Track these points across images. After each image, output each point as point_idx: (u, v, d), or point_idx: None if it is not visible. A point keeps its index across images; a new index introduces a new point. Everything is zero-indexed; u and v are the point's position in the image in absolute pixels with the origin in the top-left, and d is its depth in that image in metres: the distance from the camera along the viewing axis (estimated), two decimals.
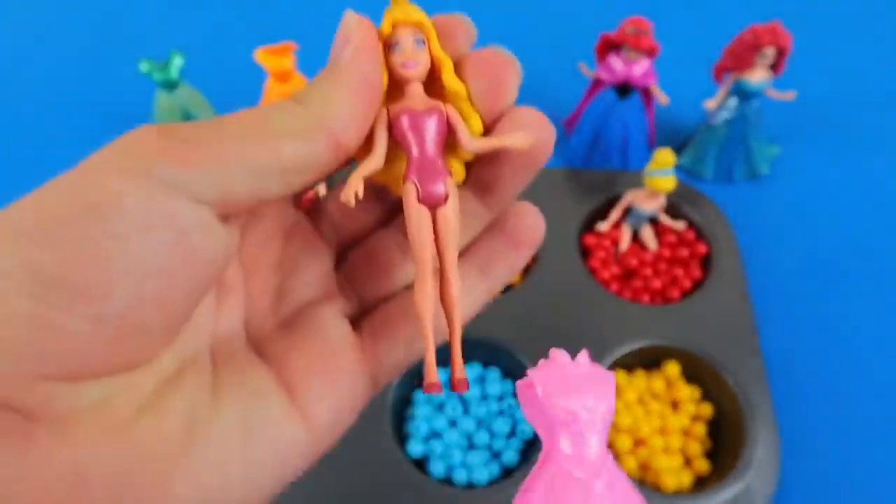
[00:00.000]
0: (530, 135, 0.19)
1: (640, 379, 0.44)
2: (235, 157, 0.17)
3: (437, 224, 0.19)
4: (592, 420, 0.17)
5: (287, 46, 0.52)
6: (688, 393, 0.44)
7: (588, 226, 0.51)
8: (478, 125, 0.20)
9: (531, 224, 0.22)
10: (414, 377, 0.43)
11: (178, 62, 0.51)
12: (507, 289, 0.48)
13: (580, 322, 0.45)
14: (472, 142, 0.20)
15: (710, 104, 0.53)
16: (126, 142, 0.17)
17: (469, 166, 0.21)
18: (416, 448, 0.41)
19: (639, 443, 0.42)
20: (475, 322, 0.45)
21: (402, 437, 0.42)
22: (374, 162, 0.19)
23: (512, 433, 0.42)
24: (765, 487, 0.39)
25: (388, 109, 0.20)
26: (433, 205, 0.19)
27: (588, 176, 0.53)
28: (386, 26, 0.20)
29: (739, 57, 0.50)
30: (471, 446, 0.42)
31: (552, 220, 0.49)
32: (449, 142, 0.20)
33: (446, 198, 0.19)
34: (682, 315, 0.46)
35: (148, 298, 0.16)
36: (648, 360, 0.45)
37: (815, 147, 0.60)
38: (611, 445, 0.42)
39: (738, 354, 0.44)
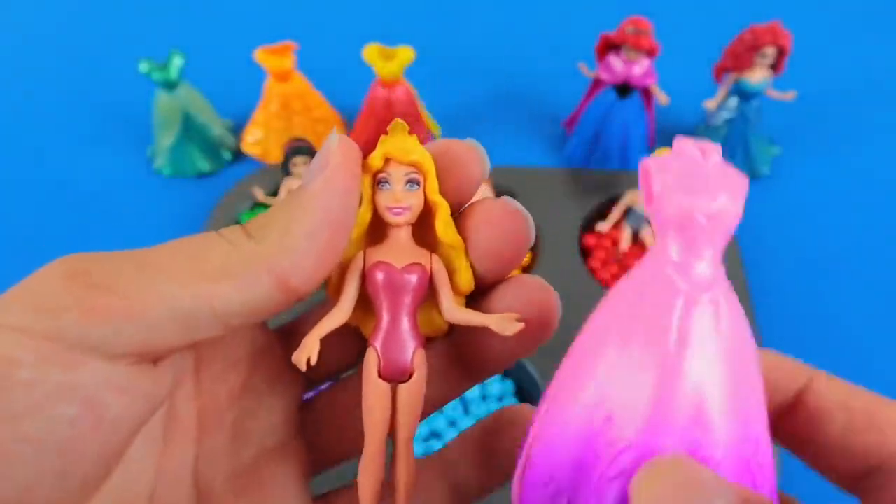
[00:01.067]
0: (517, 323, 0.17)
1: None
2: (159, 304, 0.15)
3: (397, 399, 0.17)
4: (712, 228, 0.14)
5: (287, 46, 0.52)
6: None
7: (588, 226, 0.51)
8: (468, 283, 0.18)
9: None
10: None
11: (177, 62, 0.51)
12: None
13: (580, 322, 0.45)
14: (453, 312, 0.17)
15: (710, 104, 0.53)
16: (33, 287, 0.15)
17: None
18: (416, 448, 0.41)
19: None
20: None
21: None
22: (338, 317, 0.17)
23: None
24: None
25: (364, 254, 0.17)
26: (395, 380, 0.17)
27: (588, 176, 0.53)
28: (376, 158, 0.17)
29: (739, 57, 0.50)
30: None
31: (552, 220, 0.50)
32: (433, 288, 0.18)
33: (411, 374, 0.17)
34: None
35: (48, 474, 0.14)
36: None
37: (815, 147, 0.60)
38: None
39: None
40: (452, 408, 0.42)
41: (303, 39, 0.54)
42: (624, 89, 0.53)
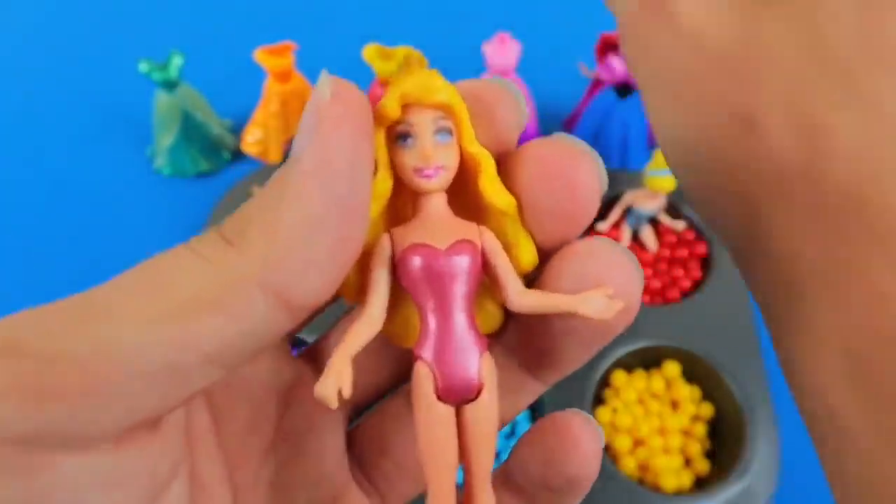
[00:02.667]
0: (617, 300, 0.13)
1: (639, 379, 0.44)
2: (125, 363, 0.11)
3: (464, 424, 0.13)
4: None
5: (286, 46, 0.52)
6: (687, 393, 0.43)
7: (588, 225, 0.51)
8: (530, 256, 0.14)
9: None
10: None
11: (177, 62, 0.51)
12: None
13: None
14: (522, 298, 0.13)
15: None
16: None
17: (508, 313, 0.14)
18: None
19: (638, 443, 0.42)
20: None
21: None
22: (369, 326, 0.13)
23: (512, 434, 0.42)
24: (765, 487, 0.39)
25: (391, 235, 0.13)
26: (459, 401, 0.13)
27: None
28: (392, 105, 0.12)
29: None
30: None
31: None
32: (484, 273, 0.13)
33: (479, 389, 0.13)
34: (682, 315, 0.46)
35: None
36: (648, 361, 0.45)
37: None
38: (610, 446, 0.42)
39: (737, 354, 0.43)
40: None
41: (302, 39, 0.54)
42: (624, 89, 0.53)
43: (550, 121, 0.60)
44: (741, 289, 0.47)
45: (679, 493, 0.40)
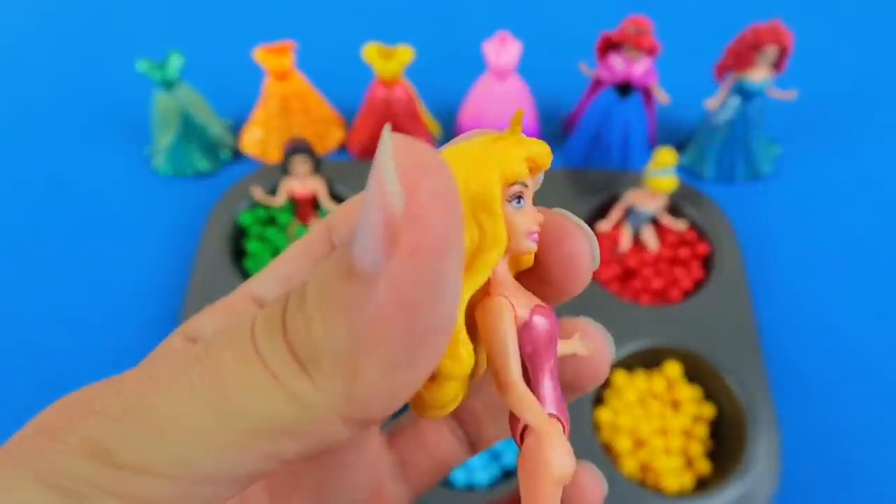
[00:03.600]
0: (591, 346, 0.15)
1: (640, 379, 0.44)
2: (198, 484, 0.11)
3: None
4: None
5: (286, 45, 0.52)
6: (689, 393, 0.43)
7: (589, 225, 0.51)
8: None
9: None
10: None
11: (176, 62, 0.51)
12: None
13: None
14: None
15: (712, 103, 0.53)
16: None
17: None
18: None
19: (640, 443, 0.42)
20: None
21: None
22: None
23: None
24: (766, 488, 0.39)
25: (504, 299, 0.13)
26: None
27: (588, 176, 0.53)
28: (518, 167, 0.12)
29: (740, 56, 0.50)
30: None
31: None
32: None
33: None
34: (683, 315, 0.46)
35: None
36: (649, 361, 0.45)
37: (817, 146, 0.60)
38: (611, 446, 0.41)
39: (739, 355, 0.43)
40: None
41: (302, 39, 0.53)
42: (625, 89, 0.53)
43: (551, 120, 0.60)
44: (742, 289, 0.47)
45: (680, 494, 0.40)
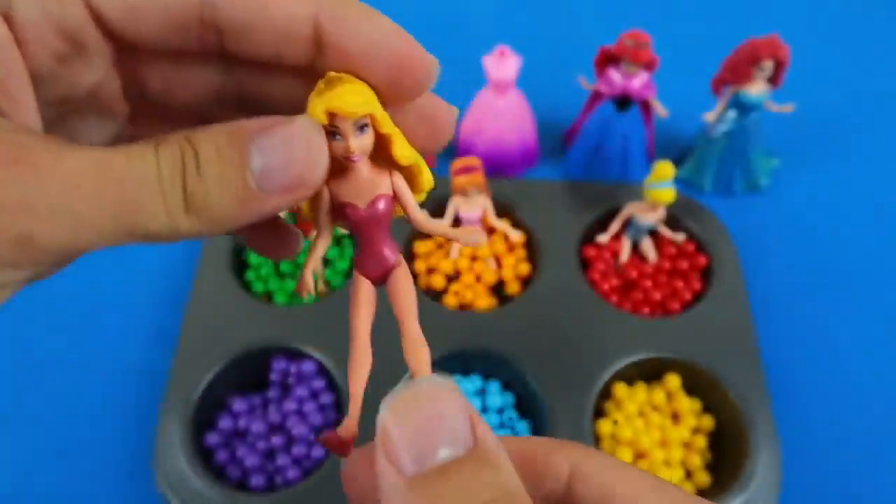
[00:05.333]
0: (482, 238, 0.19)
1: (640, 391, 0.44)
2: None
3: (392, 291, 0.19)
4: None
5: None
6: (688, 405, 0.43)
7: (588, 238, 0.51)
8: (428, 183, 0.19)
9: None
10: None
11: None
12: (508, 300, 0.48)
13: (580, 334, 0.45)
14: (424, 225, 0.19)
15: (710, 117, 0.53)
16: None
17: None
18: None
19: (639, 455, 0.42)
20: (475, 334, 0.45)
21: None
22: (322, 246, 0.19)
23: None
24: (766, 499, 0.39)
25: (329, 192, 0.18)
26: (382, 278, 0.19)
27: (588, 188, 0.53)
28: (319, 114, 0.17)
29: (738, 70, 0.50)
30: None
31: (552, 232, 0.50)
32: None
33: (394, 268, 0.19)
34: (683, 327, 0.46)
35: None
36: (649, 373, 0.45)
37: (814, 159, 0.60)
38: None
39: (738, 366, 0.43)
40: None
41: None
42: (623, 102, 0.53)
43: (550, 133, 0.60)
44: (741, 301, 0.47)
45: None
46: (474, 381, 0.44)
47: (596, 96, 0.55)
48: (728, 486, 0.39)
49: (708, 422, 0.43)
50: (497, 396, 0.43)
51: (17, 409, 0.46)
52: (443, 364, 0.44)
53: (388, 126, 0.17)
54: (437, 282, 0.48)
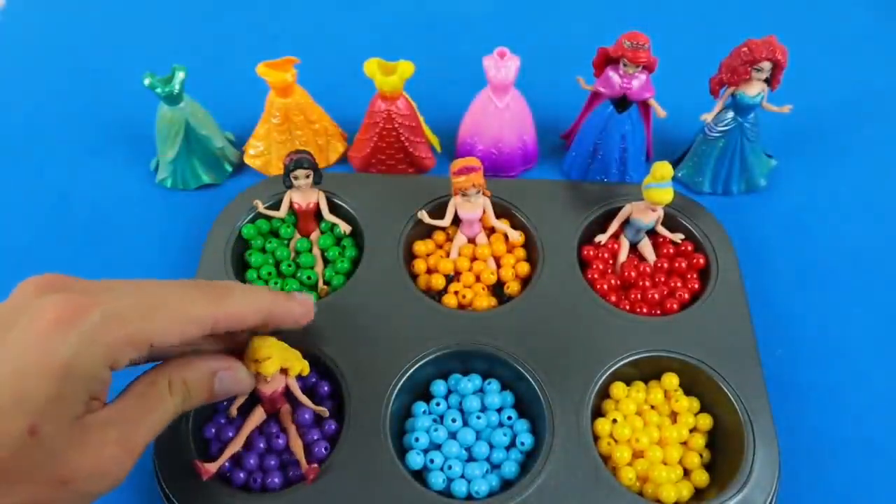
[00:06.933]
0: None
1: (638, 391, 0.44)
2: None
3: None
4: None
5: (288, 60, 0.53)
6: (686, 404, 0.44)
7: (587, 238, 0.52)
8: (303, 372, 0.39)
9: None
10: (414, 388, 0.44)
11: (180, 76, 0.52)
12: (507, 300, 0.48)
13: (579, 334, 0.45)
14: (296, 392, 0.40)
15: (708, 117, 0.54)
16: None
17: None
18: (415, 460, 0.41)
19: (637, 454, 0.42)
20: (475, 334, 0.46)
21: (401, 449, 0.42)
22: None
23: (511, 445, 0.42)
24: (764, 499, 0.39)
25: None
26: None
27: (586, 188, 0.54)
28: (251, 365, 0.36)
29: (736, 71, 0.50)
30: (470, 458, 0.42)
31: (551, 232, 0.50)
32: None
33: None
34: (681, 327, 0.46)
35: None
36: (647, 372, 0.45)
37: (812, 159, 0.60)
38: (610, 457, 0.42)
39: (736, 366, 0.44)
40: (452, 420, 0.42)
41: (304, 54, 0.54)
42: (622, 103, 0.54)
43: (549, 134, 0.61)
44: (740, 300, 0.47)
45: None
46: (474, 381, 0.44)
47: (595, 97, 0.56)
48: (726, 484, 0.40)
49: (706, 421, 0.43)
50: (496, 396, 0.44)
51: None
52: (443, 363, 0.44)
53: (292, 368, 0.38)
54: (437, 282, 0.49)
